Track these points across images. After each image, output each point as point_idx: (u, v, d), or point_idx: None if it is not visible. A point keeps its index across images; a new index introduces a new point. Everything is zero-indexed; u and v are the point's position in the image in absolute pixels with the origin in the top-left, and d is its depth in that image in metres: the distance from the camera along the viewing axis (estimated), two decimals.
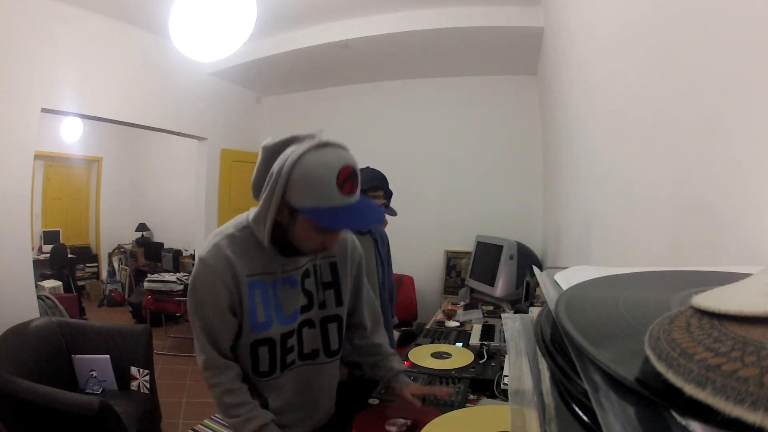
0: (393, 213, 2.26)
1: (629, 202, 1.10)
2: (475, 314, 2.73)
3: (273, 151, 0.97)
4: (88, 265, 6.45)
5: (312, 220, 0.92)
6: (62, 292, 4.59)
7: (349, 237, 1.21)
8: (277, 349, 1.06)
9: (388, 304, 1.88)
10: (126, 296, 5.87)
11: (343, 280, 1.17)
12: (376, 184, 1.72)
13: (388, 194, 1.81)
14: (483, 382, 1.55)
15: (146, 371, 2.46)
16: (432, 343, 2.09)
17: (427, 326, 2.54)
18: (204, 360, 1.03)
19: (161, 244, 6.26)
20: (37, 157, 4.06)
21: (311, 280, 1.11)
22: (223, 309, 1.00)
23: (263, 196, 0.96)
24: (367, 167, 1.79)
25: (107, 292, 5.99)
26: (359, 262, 1.24)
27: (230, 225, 1.05)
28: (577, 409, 0.29)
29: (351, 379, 1.60)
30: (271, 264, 1.03)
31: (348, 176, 0.91)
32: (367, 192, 1.71)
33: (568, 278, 0.48)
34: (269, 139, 0.98)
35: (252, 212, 1.04)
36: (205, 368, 1.03)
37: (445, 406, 1.34)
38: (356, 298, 1.25)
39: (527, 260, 2.97)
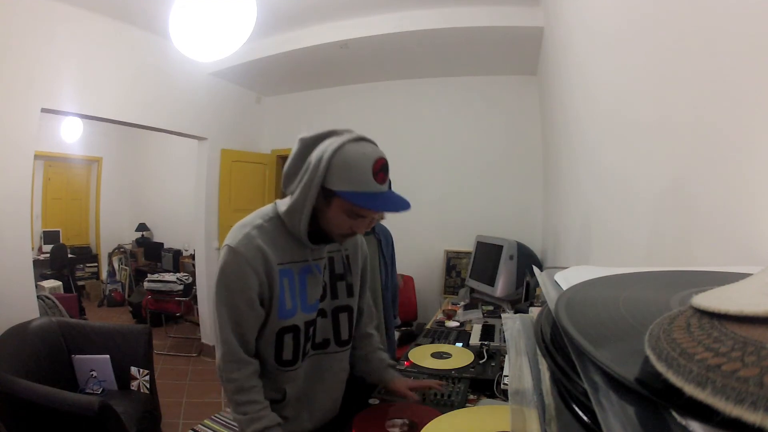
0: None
1: (629, 202, 1.10)
2: (475, 314, 2.72)
3: (310, 143, 1.03)
4: (88, 265, 6.45)
5: (350, 202, 0.99)
6: (62, 292, 4.59)
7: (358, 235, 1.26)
8: (301, 336, 1.09)
9: (391, 304, 1.88)
10: (126, 296, 5.87)
11: (354, 273, 1.23)
12: None
13: None
14: (483, 382, 1.55)
15: (146, 371, 2.47)
16: (432, 343, 2.09)
17: (427, 326, 2.54)
18: (224, 353, 1.04)
19: (161, 244, 6.26)
20: (37, 157, 4.06)
21: (326, 272, 1.17)
22: (253, 298, 1.03)
23: (300, 184, 1.02)
24: None
25: (107, 292, 5.99)
26: (366, 258, 1.31)
27: (256, 216, 1.09)
28: (577, 409, 0.29)
29: (351, 378, 1.60)
30: (299, 253, 1.08)
31: (382, 167, 1.01)
32: None
33: (568, 278, 0.48)
34: (305, 133, 1.04)
35: (280, 204, 1.09)
36: (224, 361, 1.04)
37: (445, 406, 1.34)
38: (360, 292, 1.30)
39: (527, 260, 2.97)
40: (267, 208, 1.11)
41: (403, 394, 1.26)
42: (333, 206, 1.02)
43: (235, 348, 1.03)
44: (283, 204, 1.08)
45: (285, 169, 1.06)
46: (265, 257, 1.03)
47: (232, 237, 1.04)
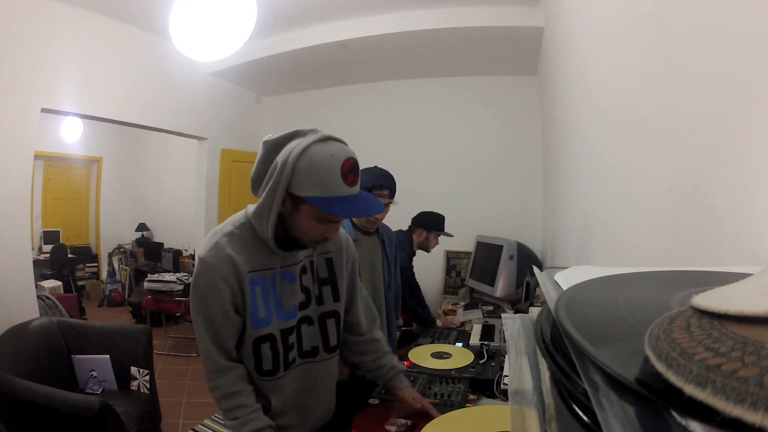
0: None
1: (629, 202, 1.10)
2: (475, 314, 2.73)
3: (275, 146, 0.98)
4: (88, 265, 6.44)
5: (317, 208, 0.94)
6: (62, 292, 4.59)
7: (343, 234, 1.22)
8: (278, 345, 1.06)
9: (393, 305, 1.88)
10: (126, 296, 5.87)
11: (339, 276, 1.18)
12: (382, 182, 1.73)
13: (394, 194, 1.81)
14: (483, 382, 1.55)
15: (146, 371, 2.46)
16: (432, 343, 2.09)
17: None
18: (206, 362, 1.03)
19: (161, 244, 6.26)
20: (37, 157, 4.06)
21: (308, 277, 1.12)
22: (227, 307, 1.00)
23: (266, 189, 0.97)
24: (375, 167, 1.80)
25: (107, 292, 5.98)
26: (353, 259, 1.25)
27: (228, 223, 1.06)
28: (577, 409, 0.29)
29: (351, 379, 1.60)
30: (271, 259, 1.04)
31: (351, 168, 0.95)
32: (372, 189, 1.71)
33: (568, 278, 0.48)
34: (270, 135, 0.99)
35: (250, 208, 1.05)
36: (207, 370, 1.03)
37: (446, 406, 1.34)
38: (351, 296, 1.25)
39: (527, 260, 2.97)
40: (239, 214, 1.07)
41: (408, 403, 1.24)
42: (301, 212, 0.97)
43: (215, 357, 1.02)
44: (252, 209, 1.04)
45: (252, 174, 1.02)
46: (235, 266, 0.99)
47: (204, 246, 1.01)
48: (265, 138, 0.99)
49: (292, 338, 1.09)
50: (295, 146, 0.94)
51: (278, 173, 0.94)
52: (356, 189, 0.97)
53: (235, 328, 1.03)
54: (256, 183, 1.01)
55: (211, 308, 1.00)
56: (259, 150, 1.00)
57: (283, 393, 1.10)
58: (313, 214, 0.97)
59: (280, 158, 0.95)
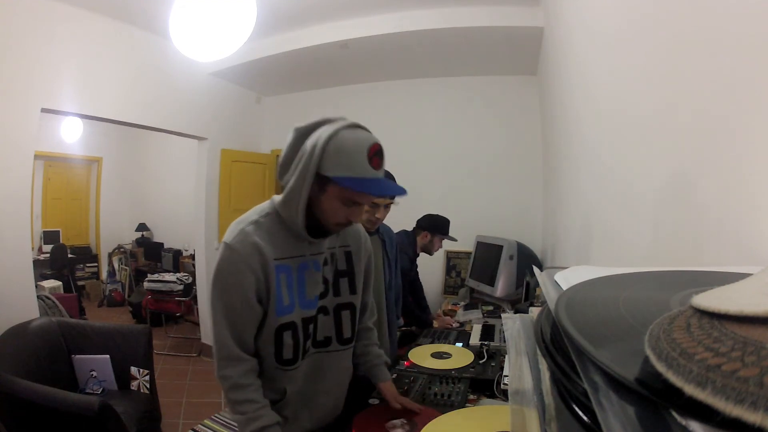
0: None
1: (629, 201, 1.10)
2: (475, 314, 2.73)
3: (305, 132, 1.03)
4: (88, 265, 6.45)
5: (344, 186, 0.98)
6: (62, 292, 4.59)
7: (362, 230, 1.26)
8: (299, 334, 1.07)
9: (394, 305, 1.88)
10: (126, 296, 5.87)
11: (357, 269, 1.21)
12: None
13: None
14: (483, 382, 1.55)
15: (146, 371, 2.47)
16: (432, 343, 2.09)
17: None
18: (219, 349, 1.03)
19: (161, 244, 6.26)
20: (37, 157, 4.06)
21: (329, 268, 1.15)
22: (249, 295, 1.01)
23: (296, 172, 1.01)
24: None
25: (107, 292, 5.99)
26: (370, 255, 1.28)
27: (253, 213, 1.08)
28: (577, 409, 0.29)
29: (352, 379, 1.60)
30: (296, 248, 1.07)
31: (377, 152, 1.00)
32: None
33: (568, 278, 0.48)
34: (299, 123, 1.04)
35: (276, 198, 1.08)
36: (218, 358, 1.03)
37: (446, 406, 1.34)
38: (364, 289, 1.28)
39: (527, 260, 2.97)
40: (264, 204, 1.10)
41: (387, 399, 1.27)
42: (328, 193, 1.01)
43: (229, 345, 1.02)
44: (279, 198, 1.07)
45: (280, 159, 1.05)
46: (261, 253, 1.01)
47: (229, 234, 1.03)
48: (296, 125, 1.04)
49: (311, 327, 1.11)
50: (324, 131, 0.99)
51: (308, 155, 0.98)
52: (381, 173, 1.01)
53: (254, 318, 1.04)
54: (284, 168, 1.05)
55: (233, 295, 1.01)
56: (288, 136, 1.04)
57: (297, 383, 1.11)
58: (339, 195, 1.01)
59: (309, 142, 1.00)
